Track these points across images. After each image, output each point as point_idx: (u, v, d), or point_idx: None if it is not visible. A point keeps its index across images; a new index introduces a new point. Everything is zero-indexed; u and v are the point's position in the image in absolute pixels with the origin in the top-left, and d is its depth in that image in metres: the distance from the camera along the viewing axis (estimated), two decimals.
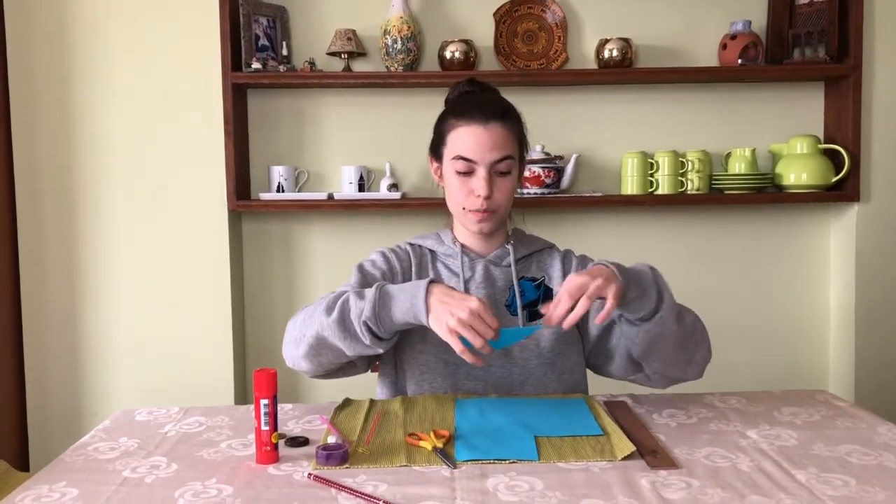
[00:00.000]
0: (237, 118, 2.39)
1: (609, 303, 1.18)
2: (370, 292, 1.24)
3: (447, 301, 1.18)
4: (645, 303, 1.25)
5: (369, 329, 1.23)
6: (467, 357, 1.17)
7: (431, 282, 1.23)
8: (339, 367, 1.37)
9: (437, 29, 2.48)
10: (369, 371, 1.52)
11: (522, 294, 1.45)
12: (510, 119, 1.44)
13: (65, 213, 2.41)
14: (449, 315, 1.16)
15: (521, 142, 1.47)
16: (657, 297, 1.26)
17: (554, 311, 1.18)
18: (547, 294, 1.46)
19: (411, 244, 1.55)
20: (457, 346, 1.16)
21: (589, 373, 1.52)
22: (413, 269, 1.50)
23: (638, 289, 1.24)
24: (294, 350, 1.33)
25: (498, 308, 1.45)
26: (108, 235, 2.42)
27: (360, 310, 1.23)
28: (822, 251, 2.58)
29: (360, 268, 1.47)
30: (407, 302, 1.21)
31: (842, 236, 2.52)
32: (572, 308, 1.17)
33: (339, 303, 1.26)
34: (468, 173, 1.41)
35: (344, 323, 1.25)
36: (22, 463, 2.40)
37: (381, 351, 1.27)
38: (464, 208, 1.43)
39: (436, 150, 1.49)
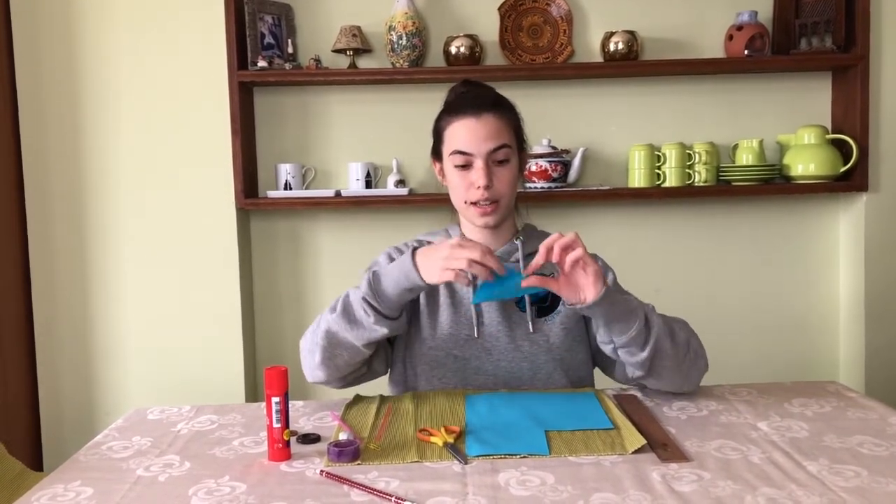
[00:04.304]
0: (244, 116, 2.39)
1: (576, 253, 1.22)
2: (364, 276, 1.32)
3: (430, 252, 1.27)
4: (623, 331, 1.29)
5: (370, 305, 1.29)
6: (475, 278, 1.23)
7: (415, 249, 1.29)
8: (357, 369, 1.39)
9: (442, 24, 2.47)
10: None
11: None
12: (503, 110, 1.45)
13: (74, 213, 2.42)
14: (437, 261, 1.24)
15: (517, 132, 1.47)
16: (634, 341, 1.30)
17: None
18: None
19: (419, 241, 1.55)
20: (458, 277, 1.23)
21: (596, 371, 1.53)
22: None
23: (617, 317, 1.28)
24: (311, 360, 1.37)
25: (507, 305, 1.45)
26: (117, 235, 2.43)
27: (359, 293, 1.30)
28: (830, 242, 2.57)
29: (369, 270, 1.49)
30: (396, 271, 1.29)
31: (850, 227, 2.51)
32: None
33: (341, 299, 1.34)
34: (467, 166, 1.42)
35: (348, 313, 1.31)
36: (36, 463, 2.41)
37: (386, 331, 1.31)
38: (466, 202, 1.44)
39: (436, 150, 1.50)
